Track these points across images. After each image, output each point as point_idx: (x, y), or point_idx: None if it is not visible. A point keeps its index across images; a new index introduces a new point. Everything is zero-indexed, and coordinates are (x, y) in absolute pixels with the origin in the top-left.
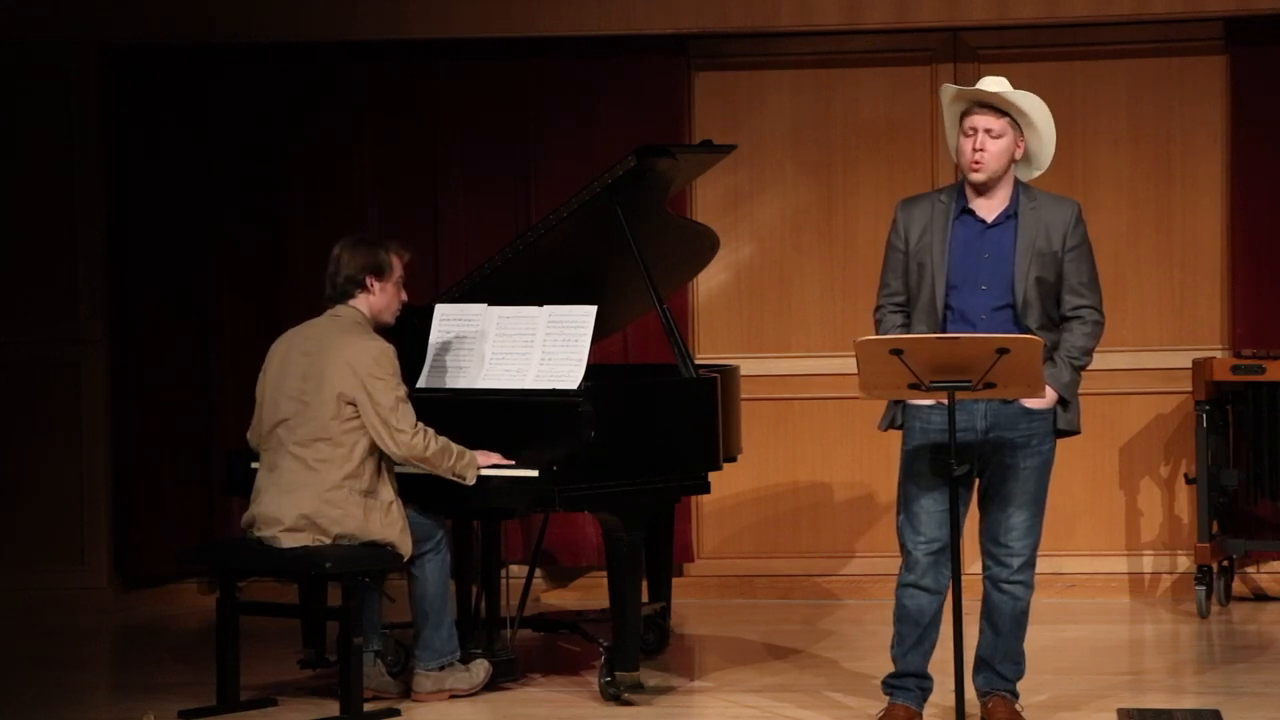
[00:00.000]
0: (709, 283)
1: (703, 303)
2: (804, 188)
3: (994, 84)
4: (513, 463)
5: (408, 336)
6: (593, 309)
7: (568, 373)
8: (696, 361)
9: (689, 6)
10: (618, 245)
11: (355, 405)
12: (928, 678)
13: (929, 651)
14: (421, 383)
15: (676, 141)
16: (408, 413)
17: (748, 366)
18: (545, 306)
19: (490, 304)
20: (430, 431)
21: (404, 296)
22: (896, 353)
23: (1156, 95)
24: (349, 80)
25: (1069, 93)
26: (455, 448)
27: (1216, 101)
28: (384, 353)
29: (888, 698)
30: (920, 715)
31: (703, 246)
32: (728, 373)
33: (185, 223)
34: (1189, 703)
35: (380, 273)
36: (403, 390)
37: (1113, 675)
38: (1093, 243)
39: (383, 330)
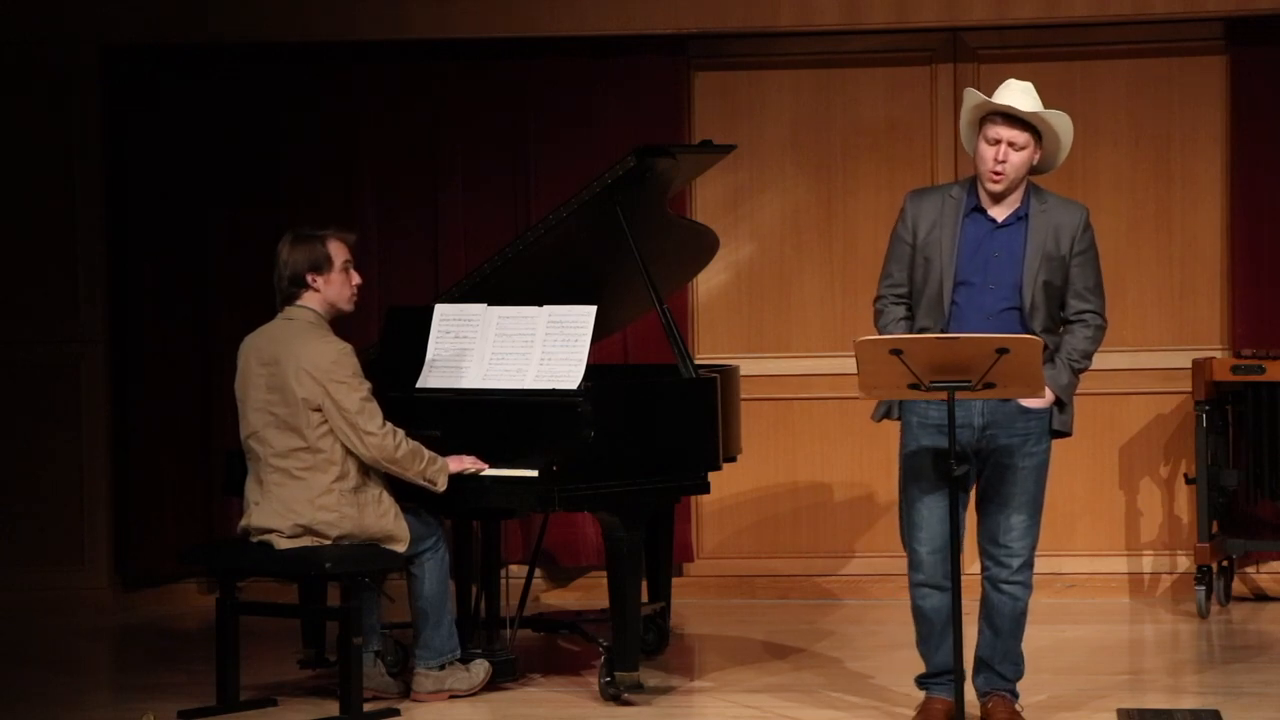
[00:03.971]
0: (709, 283)
1: (703, 303)
2: (804, 188)
3: (1020, 92)
4: (487, 466)
5: (408, 336)
6: (593, 309)
7: (568, 373)
8: (696, 361)
9: (689, 6)
10: (618, 245)
11: (321, 411)
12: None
13: (961, 643)
14: (421, 383)
15: (676, 141)
16: (374, 413)
17: (748, 366)
18: (545, 306)
19: (490, 304)
20: (400, 432)
21: (357, 279)
22: (896, 353)
23: (1156, 95)
24: (349, 80)
25: (1069, 93)
26: (426, 452)
27: (1216, 101)
28: (342, 354)
29: (923, 692)
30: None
31: (702, 246)
32: (728, 373)
33: (185, 223)
34: (1189, 703)
35: (320, 268)
36: (366, 390)
37: (1113, 675)
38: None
39: (338, 326)
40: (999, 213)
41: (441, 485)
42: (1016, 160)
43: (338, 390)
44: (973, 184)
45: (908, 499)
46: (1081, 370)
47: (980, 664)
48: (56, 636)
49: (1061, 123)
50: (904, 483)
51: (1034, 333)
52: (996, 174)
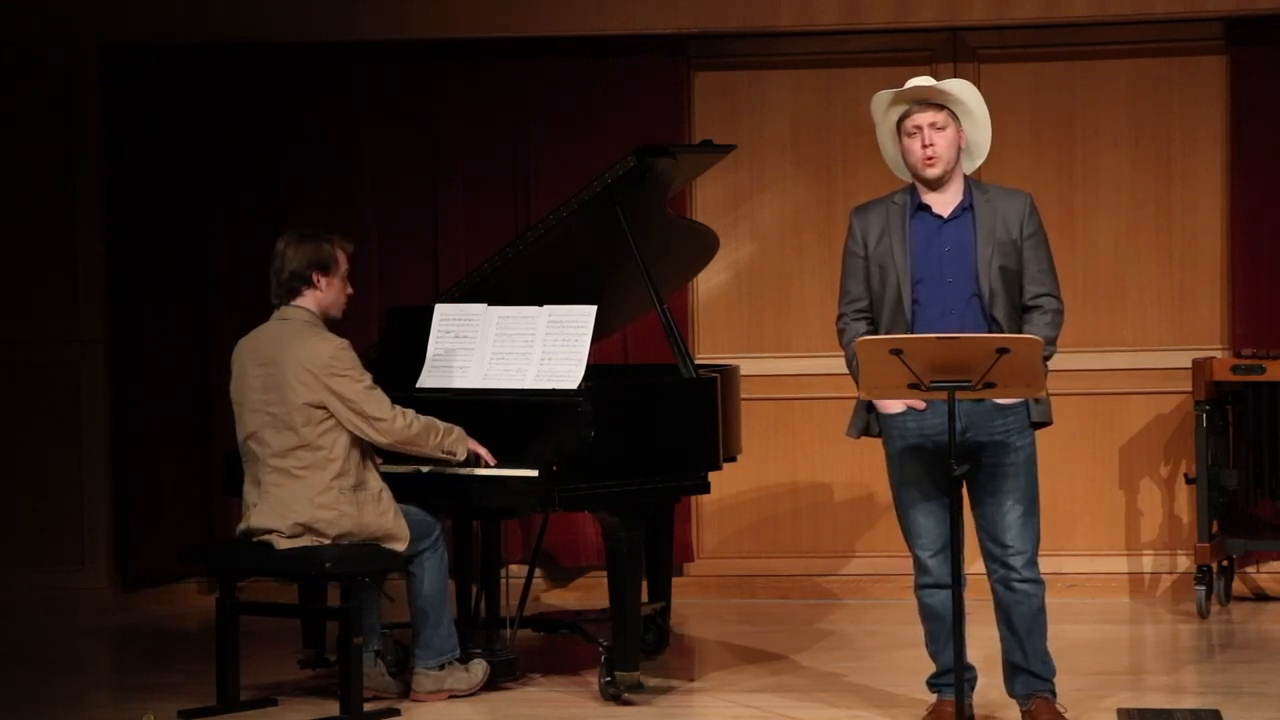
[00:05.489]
0: (709, 283)
1: (703, 303)
2: (804, 188)
3: (921, 81)
4: (495, 462)
5: (408, 336)
6: (593, 309)
7: (568, 373)
8: (696, 361)
9: (689, 6)
10: (618, 245)
11: (325, 408)
12: (970, 668)
13: (964, 643)
14: (421, 383)
15: (676, 141)
16: (381, 399)
17: (748, 366)
18: (545, 306)
19: (490, 304)
20: (410, 412)
21: (350, 290)
22: (896, 353)
23: (1156, 95)
24: (349, 80)
25: (1069, 93)
26: (440, 424)
27: (1216, 101)
28: (340, 349)
29: (935, 695)
30: (969, 707)
31: (703, 246)
32: (728, 373)
33: (185, 223)
34: (1189, 703)
35: (327, 268)
36: (368, 379)
37: (1113, 675)
38: (1093, 242)
39: (337, 327)
40: (944, 208)
41: (461, 455)
42: (942, 141)
43: (339, 384)
44: (913, 188)
45: (901, 508)
46: (1048, 357)
47: (1014, 669)
48: (56, 636)
49: (965, 90)
50: (895, 494)
51: (996, 320)
52: (929, 159)
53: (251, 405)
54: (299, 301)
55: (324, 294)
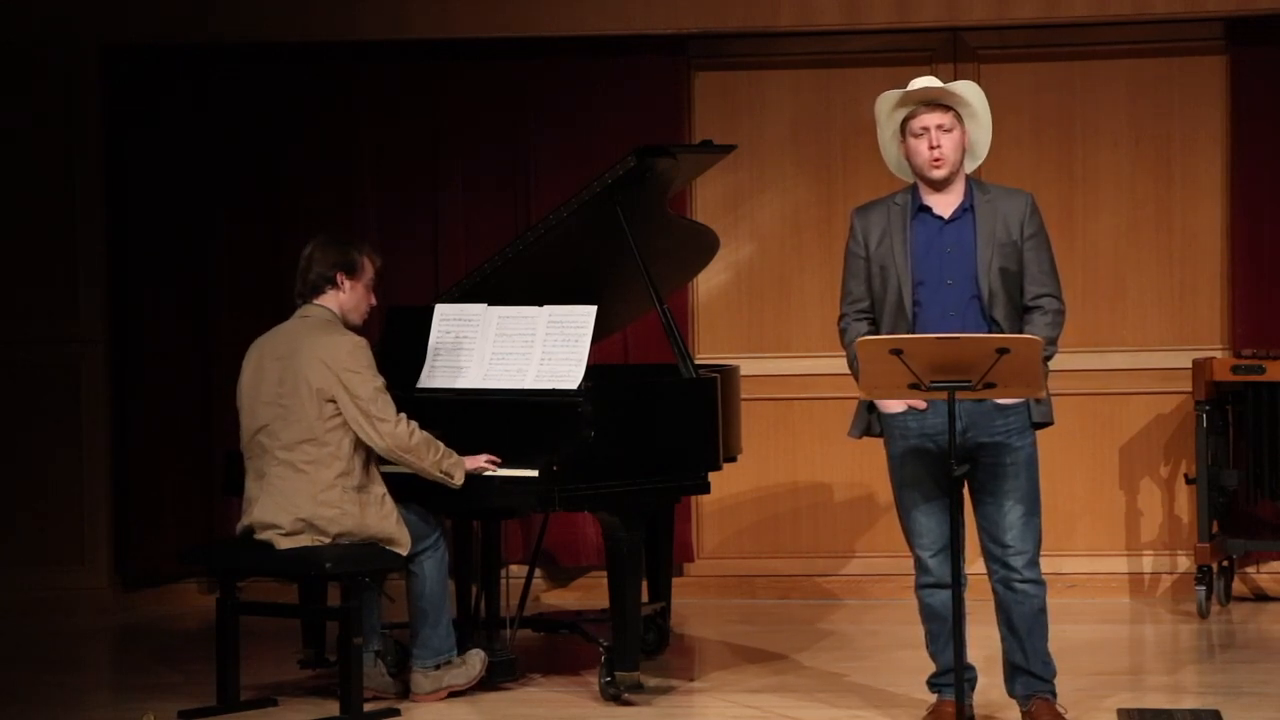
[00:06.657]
0: (709, 283)
1: (703, 303)
2: (804, 188)
3: (927, 82)
4: (500, 461)
5: (408, 336)
6: (593, 309)
7: (568, 373)
8: (696, 361)
9: (689, 6)
10: (618, 245)
11: (335, 402)
12: (970, 668)
13: (964, 643)
14: (422, 383)
15: (676, 141)
16: (388, 403)
17: (748, 366)
18: (545, 306)
19: (490, 304)
20: (414, 423)
21: (373, 301)
22: (896, 353)
23: (1156, 95)
24: (349, 80)
25: (1069, 93)
26: (442, 446)
27: (1216, 101)
28: (358, 346)
29: (936, 695)
30: (969, 707)
31: (703, 246)
32: (728, 373)
33: (185, 223)
34: (1189, 703)
35: (352, 270)
36: (380, 381)
37: (1113, 675)
38: (1093, 242)
39: (356, 329)
40: (945, 209)
41: (458, 479)
42: (949, 143)
43: (352, 380)
44: (915, 188)
45: (903, 508)
46: (1049, 358)
47: (1015, 670)
48: (56, 636)
49: (971, 92)
50: (897, 494)
51: (996, 321)
52: (937, 160)
53: (265, 398)
54: (321, 300)
55: (346, 296)
